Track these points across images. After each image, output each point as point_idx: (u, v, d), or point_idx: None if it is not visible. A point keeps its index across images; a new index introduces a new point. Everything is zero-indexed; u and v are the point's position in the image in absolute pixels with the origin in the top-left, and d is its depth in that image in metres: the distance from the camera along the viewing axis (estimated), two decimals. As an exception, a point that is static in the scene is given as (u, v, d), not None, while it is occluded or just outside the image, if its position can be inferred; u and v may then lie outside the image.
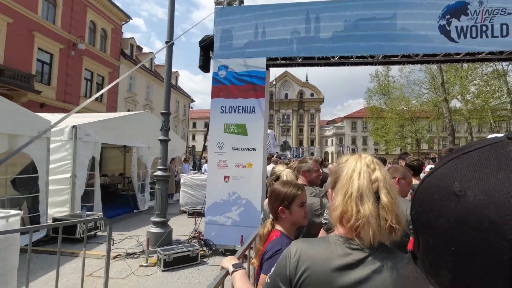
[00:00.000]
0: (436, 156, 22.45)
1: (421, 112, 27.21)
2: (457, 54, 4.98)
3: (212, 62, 5.58)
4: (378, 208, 0.89)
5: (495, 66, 18.99)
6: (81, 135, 6.56)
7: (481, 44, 4.64)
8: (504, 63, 18.27)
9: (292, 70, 57.39)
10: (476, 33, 4.64)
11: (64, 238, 5.17)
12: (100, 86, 20.18)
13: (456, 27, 4.70)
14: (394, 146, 31.31)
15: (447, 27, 4.73)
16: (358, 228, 0.88)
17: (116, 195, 10.31)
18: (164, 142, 5.58)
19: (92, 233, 5.89)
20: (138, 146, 8.81)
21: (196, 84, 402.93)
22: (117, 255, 4.92)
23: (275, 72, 62.01)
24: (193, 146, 31.52)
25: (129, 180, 10.48)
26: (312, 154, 54.43)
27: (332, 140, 58.38)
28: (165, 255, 4.43)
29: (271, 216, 1.63)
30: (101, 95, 20.01)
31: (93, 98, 2.68)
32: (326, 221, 1.82)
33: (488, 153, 0.34)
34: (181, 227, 6.83)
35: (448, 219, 0.34)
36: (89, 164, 6.85)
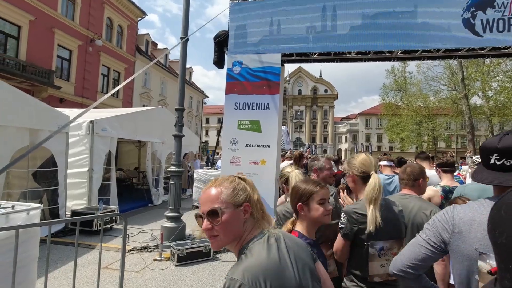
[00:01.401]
0: (454, 154, 21.74)
1: (439, 109, 26.38)
2: (482, 49, 4.74)
3: (226, 58, 5.55)
4: None
5: (520, 62, 18.14)
6: (98, 130, 6.71)
7: (508, 38, 4.40)
8: (530, 58, 17.37)
9: (306, 66, 56.68)
10: (503, 26, 4.40)
11: (82, 230, 5.34)
12: (116, 82, 20.59)
13: (482, 20, 4.47)
14: (410, 144, 30.53)
15: (472, 21, 4.51)
16: None
17: (131, 189, 10.54)
18: (178, 138, 5.62)
19: (108, 226, 6.03)
20: (153, 141, 8.94)
21: (209, 80, 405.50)
22: (132, 248, 5.02)
23: (288, 68, 61.48)
24: (206, 142, 31.78)
25: (144, 175, 10.67)
26: (325, 151, 53.89)
27: (346, 137, 57.55)
28: (178, 250, 4.48)
29: (294, 215, 1.62)
30: (117, 90, 20.42)
31: (110, 93, 2.71)
32: (343, 226, 1.73)
33: None
34: (194, 222, 6.85)
35: (508, 236, 0.32)
36: (105, 159, 7.01)
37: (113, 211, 6.13)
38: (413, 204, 2.02)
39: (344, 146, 57.42)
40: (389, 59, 5.35)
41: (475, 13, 4.48)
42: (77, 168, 6.50)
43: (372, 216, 1.62)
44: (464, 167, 11.69)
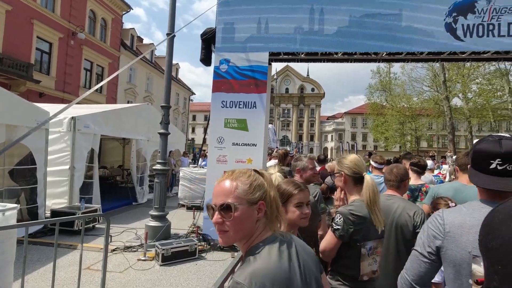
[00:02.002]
0: (435, 154, 22.46)
1: (421, 110, 27.18)
2: (463, 52, 4.90)
3: (213, 55, 5.49)
4: None
5: (498, 65, 18.89)
6: (80, 127, 6.50)
7: (487, 43, 4.56)
8: (507, 62, 18.14)
9: (293, 65, 57.05)
10: (482, 31, 4.56)
11: (62, 230, 5.17)
12: (100, 77, 20.02)
13: (463, 25, 4.62)
14: (393, 143, 31.34)
15: (454, 25, 4.65)
16: None
17: (114, 187, 10.31)
18: (164, 136, 5.53)
19: (91, 225, 5.87)
20: (138, 139, 8.76)
21: (196, 77, 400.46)
22: (115, 248, 4.91)
23: (276, 66, 61.66)
24: (193, 139, 31.52)
25: (128, 172, 10.46)
26: (311, 150, 54.47)
27: (332, 135, 58.38)
28: (163, 249, 4.42)
29: None
30: (101, 86, 19.87)
31: (93, 89, 2.63)
32: (338, 227, 1.70)
33: None
34: (180, 221, 6.82)
35: (499, 240, 0.34)
36: (88, 156, 6.81)
37: (96, 210, 5.98)
38: (398, 205, 2.06)
39: (330, 144, 58.22)
40: (374, 61, 5.46)
41: (456, 18, 4.62)
42: (57, 166, 6.28)
43: (379, 217, 1.69)
44: (445, 166, 12.08)
